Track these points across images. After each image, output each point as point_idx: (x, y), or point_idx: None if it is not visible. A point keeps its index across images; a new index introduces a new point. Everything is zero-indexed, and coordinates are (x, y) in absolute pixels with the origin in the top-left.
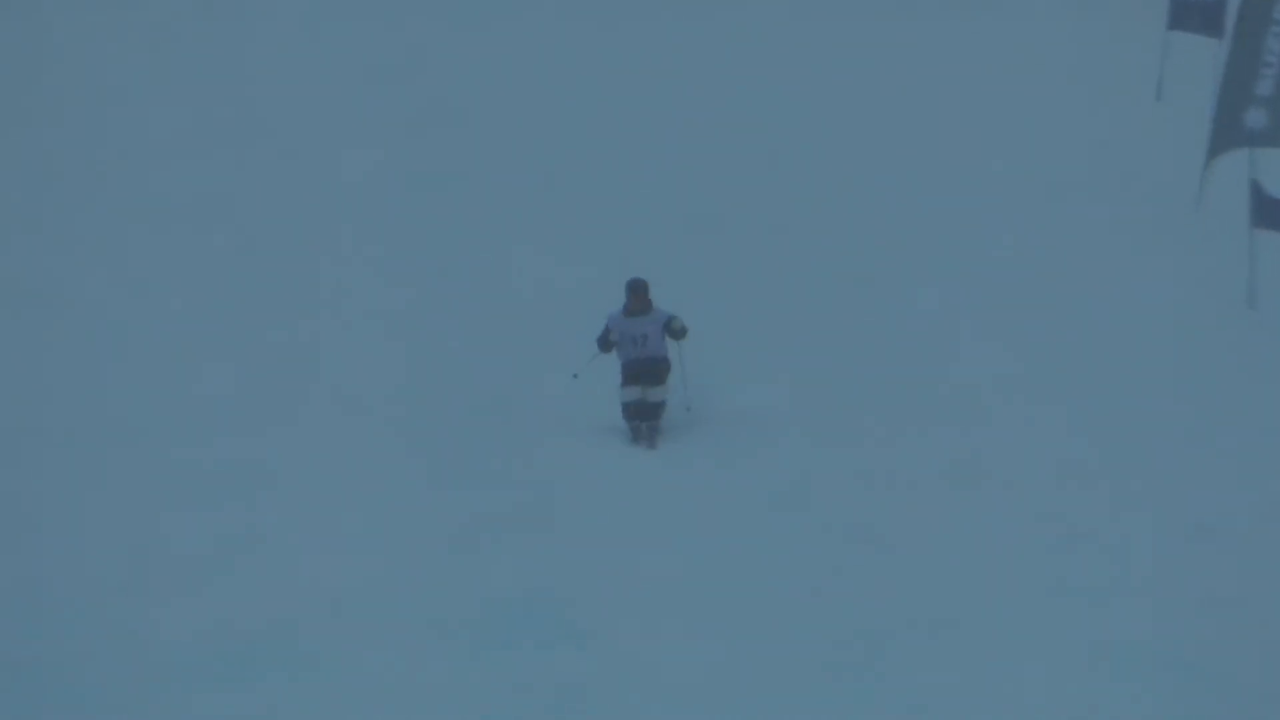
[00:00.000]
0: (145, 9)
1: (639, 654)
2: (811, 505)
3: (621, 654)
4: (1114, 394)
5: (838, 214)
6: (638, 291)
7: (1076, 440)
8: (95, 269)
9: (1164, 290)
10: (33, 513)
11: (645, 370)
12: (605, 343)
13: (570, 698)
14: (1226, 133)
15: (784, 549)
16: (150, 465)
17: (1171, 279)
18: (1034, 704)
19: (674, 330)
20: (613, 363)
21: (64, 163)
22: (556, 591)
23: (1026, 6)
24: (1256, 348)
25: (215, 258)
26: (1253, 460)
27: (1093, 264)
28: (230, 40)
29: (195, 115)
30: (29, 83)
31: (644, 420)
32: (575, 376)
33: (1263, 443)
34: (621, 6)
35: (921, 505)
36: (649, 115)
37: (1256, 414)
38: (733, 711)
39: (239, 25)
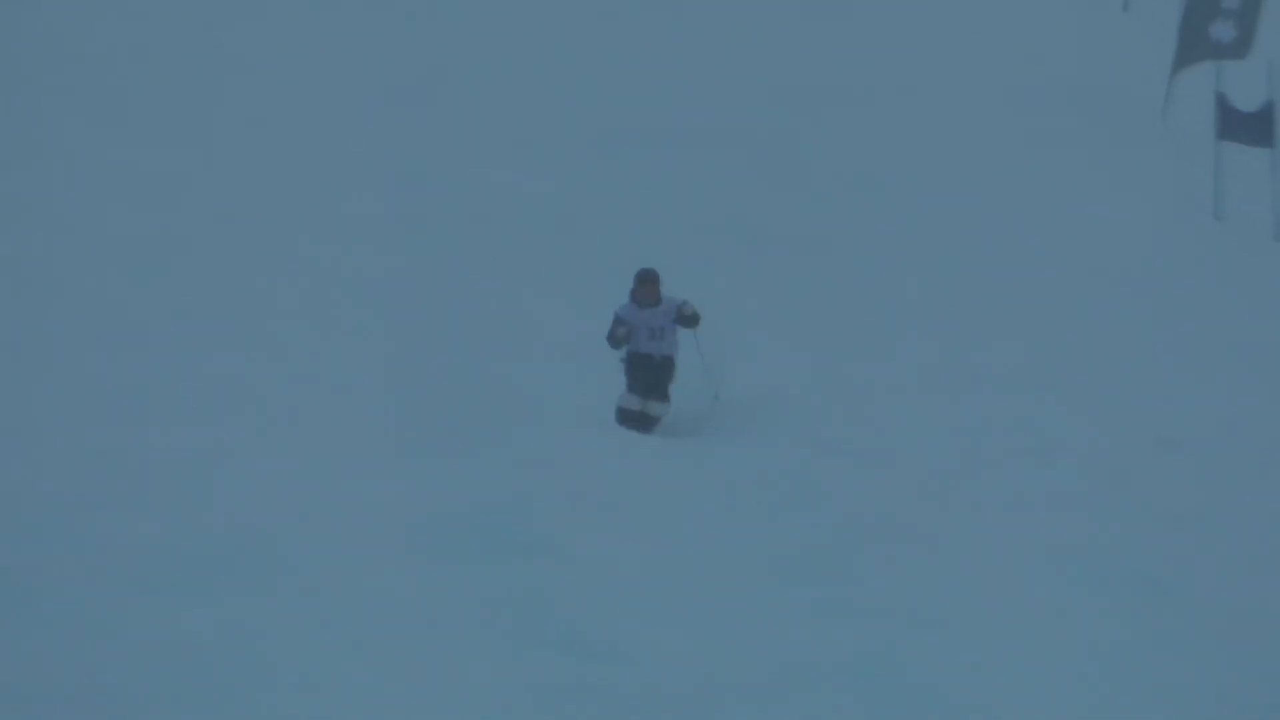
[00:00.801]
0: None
1: (599, 562)
2: (776, 413)
3: (581, 563)
4: (1081, 307)
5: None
6: (648, 281)
7: (1043, 353)
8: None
9: (1131, 203)
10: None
11: (651, 376)
12: (617, 339)
13: (532, 604)
14: (1193, 46)
15: (745, 457)
16: (123, 380)
17: (1138, 191)
18: (995, 609)
19: (686, 316)
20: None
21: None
22: (519, 504)
23: None
24: (1222, 260)
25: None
26: (1217, 374)
27: (1058, 177)
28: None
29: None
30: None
31: (638, 429)
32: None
33: (1227, 356)
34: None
35: (889, 414)
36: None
37: (1221, 327)
38: (693, 613)
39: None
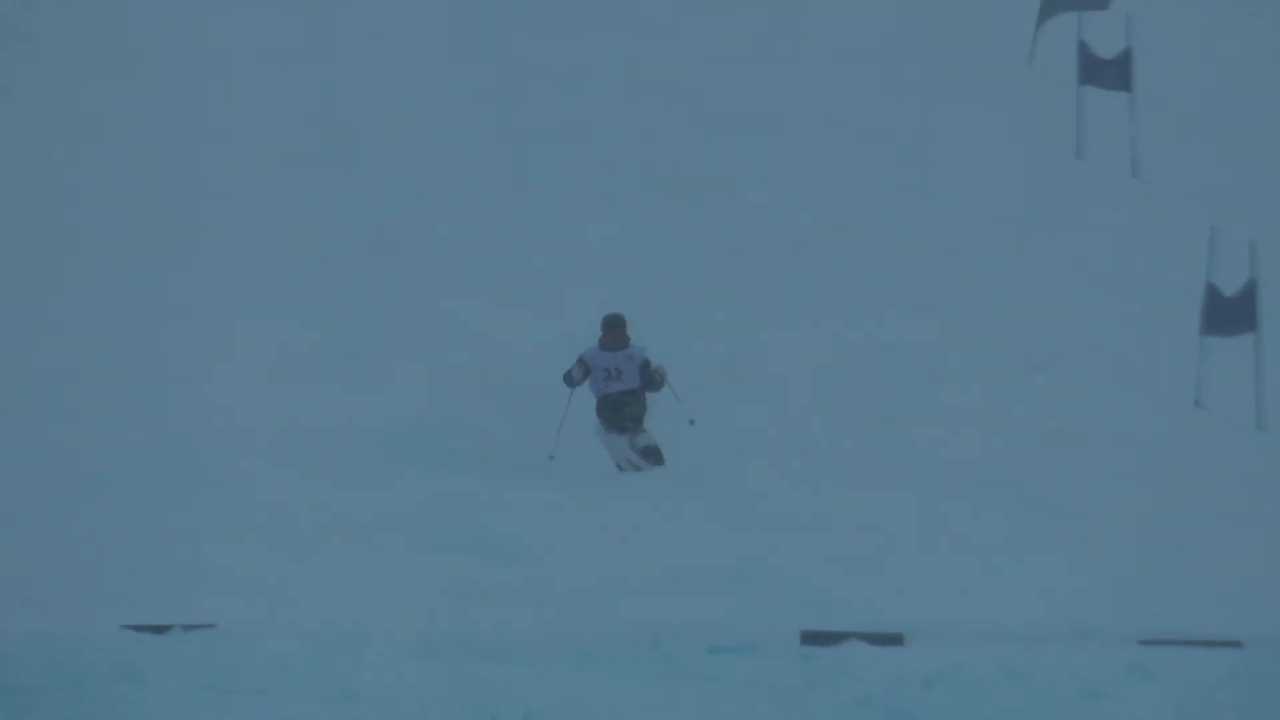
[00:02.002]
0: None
1: (516, 470)
2: (683, 339)
3: (500, 470)
4: (954, 238)
5: None
6: (614, 326)
7: (919, 277)
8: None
9: (999, 142)
10: None
11: (621, 409)
12: (571, 377)
13: (452, 506)
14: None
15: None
16: (64, 298)
17: (1006, 132)
18: (875, 516)
19: (652, 378)
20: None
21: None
22: (443, 414)
23: None
24: (1083, 195)
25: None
26: (1079, 301)
27: (932, 118)
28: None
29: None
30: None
31: (646, 463)
32: (551, 458)
33: (1088, 283)
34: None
35: (782, 340)
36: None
37: (1083, 258)
38: (593, 518)
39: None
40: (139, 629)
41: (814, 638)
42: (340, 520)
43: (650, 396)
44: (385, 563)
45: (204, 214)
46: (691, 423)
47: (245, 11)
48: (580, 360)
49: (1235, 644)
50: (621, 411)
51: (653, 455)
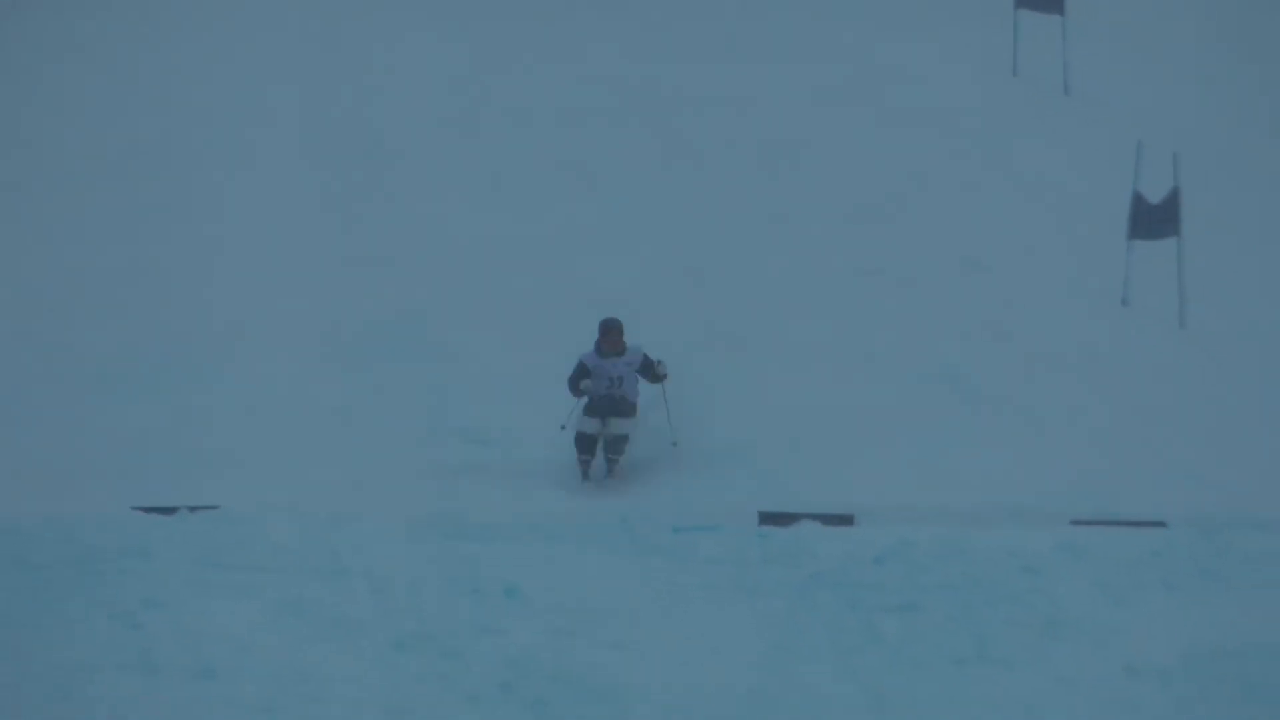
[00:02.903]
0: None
1: (499, 364)
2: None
3: (483, 365)
4: (896, 150)
5: None
6: (611, 331)
7: (865, 188)
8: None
9: (938, 62)
10: None
11: (610, 406)
12: (578, 386)
13: (438, 397)
14: None
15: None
16: (82, 211)
17: (945, 53)
18: (830, 411)
19: (656, 375)
20: None
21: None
22: (426, 312)
23: None
24: (1017, 106)
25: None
26: (1014, 208)
27: (875, 42)
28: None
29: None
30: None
31: (605, 454)
32: (563, 428)
33: (1023, 192)
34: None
35: (732, 242)
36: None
37: (1018, 169)
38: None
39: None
40: (148, 510)
41: (771, 518)
42: (334, 410)
43: (641, 409)
44: (376, 449)
45: (209, 130)
46: (675, 444)
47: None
48: (581, 365)
49: (1159, 524)
50: (611, 407)
51: (619, 444)
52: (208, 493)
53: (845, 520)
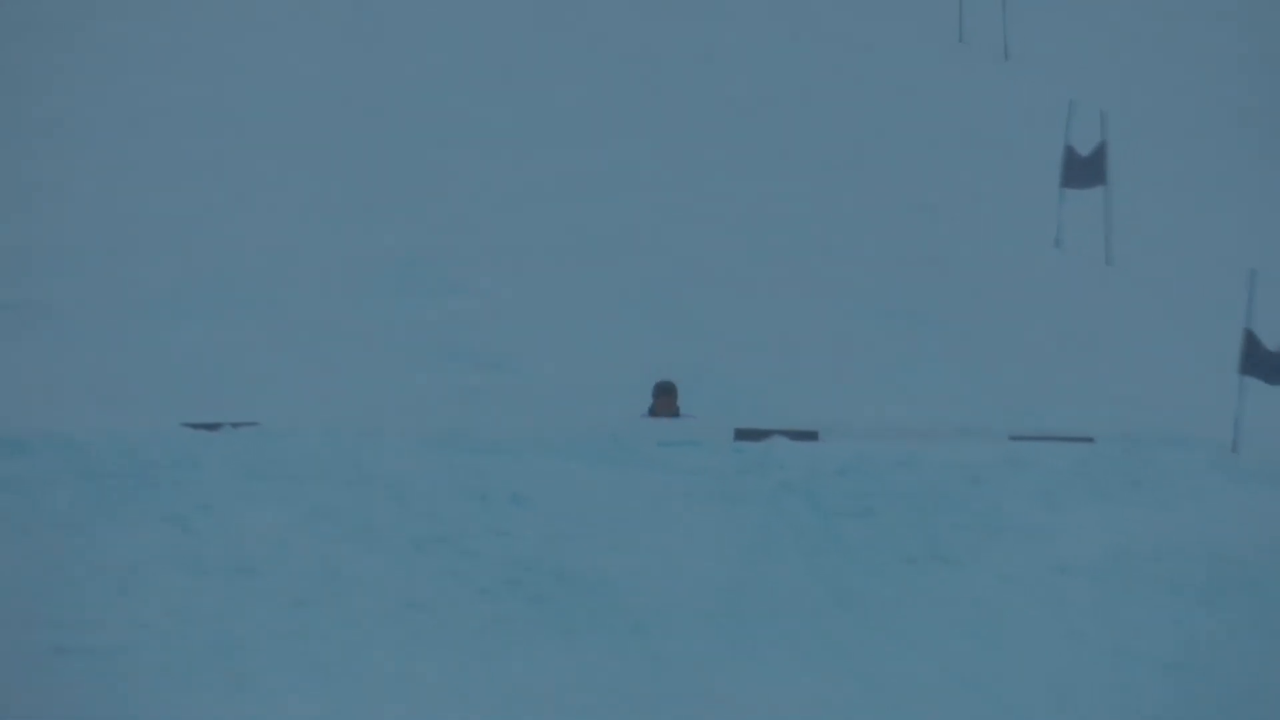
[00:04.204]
0: None
1: (505, 298)
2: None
3: (494, 295)
4: (852, 108)
5: None
6: (666, 393)
7: (829, 139)
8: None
9: (890, 29)
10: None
11: None
12: None
13: (454, 324)
14: None
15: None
16: (135, 161)
17: (896, 20)
18: (797, 337)
19: None
20: None
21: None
22: (444, 251)
23: None
24: (962, 69)
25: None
26: (957, 158)
27: (834, 11)
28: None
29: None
30: None
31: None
32: None
33: (966, 146)
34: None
35: (719, 193)
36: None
37: (961, 125)
38: (567, 335)
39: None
40: (195, 426)
41: (745, 434)
42: (361, 336)
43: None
44: (398, 371)
45: (251, 89)
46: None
47: None
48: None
49: (1088, 439)
50: None
51: None
52: (249, 410)
53: (810, 436)
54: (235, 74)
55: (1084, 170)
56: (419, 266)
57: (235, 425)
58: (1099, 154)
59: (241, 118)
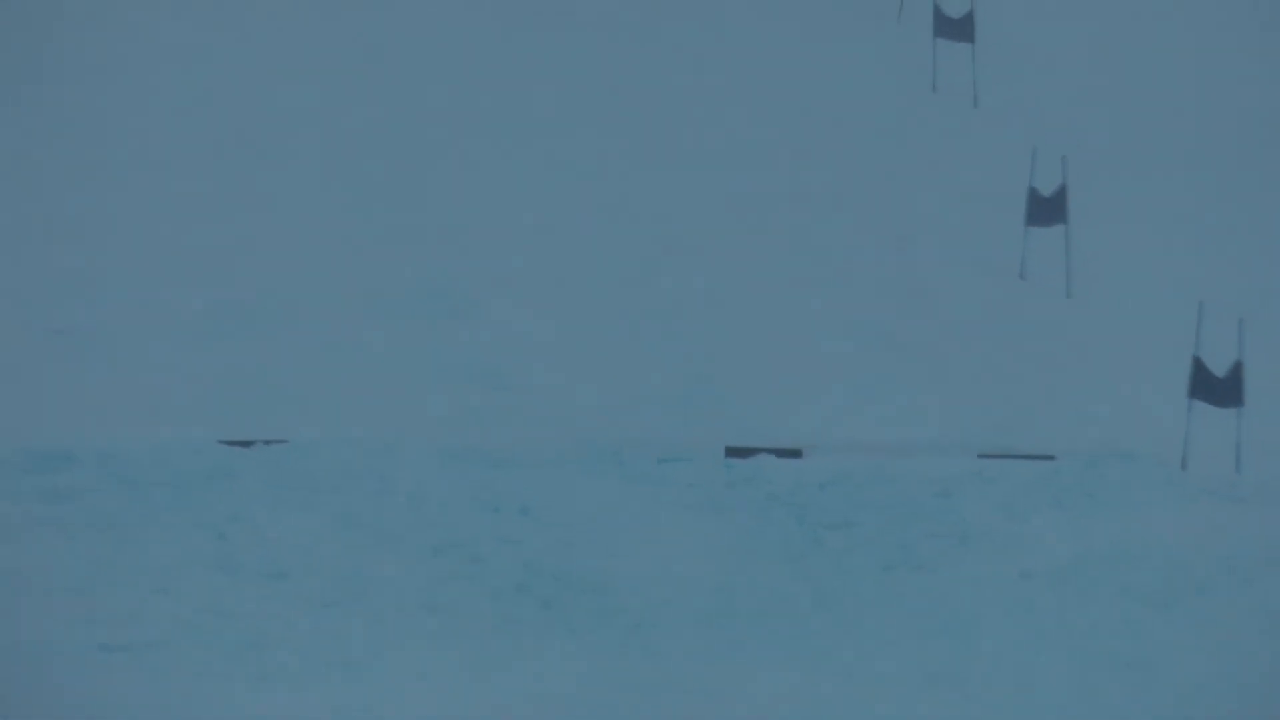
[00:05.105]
0: None
1: (517, 324)
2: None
3: (503, 320)
4: (833, 150)
5: None
6: None
7: (812, 180)
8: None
9: (867, 80)
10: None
11: None
12: None
13: (464, 350)
14: None
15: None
16: (173, 189)
17: (875, 71)
18: (780, 361)
19: None
20: None
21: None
22: (458, 279)
23: None
24: (934, 116)
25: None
26: (927, 200)
27: (803, 54)
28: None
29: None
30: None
31: None
32: None
33: (935, 189)
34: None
35: (716, 231)
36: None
37: (932, 168)
38: (570, 339)
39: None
40: (230, 442)
41: (734, 451)
42: (383, 358)
43: None
44: (417, 390)
45: (284, 111)
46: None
47: None
48: None
49: (1049, 457)
50: None
51: None
52: (279, 428)
53: (795, 453)
54: (265, 111)
55: (1046, 209)
56: (436, 294)
57: (266, 441)
58: (1060, 195)
59: (274, 157)
